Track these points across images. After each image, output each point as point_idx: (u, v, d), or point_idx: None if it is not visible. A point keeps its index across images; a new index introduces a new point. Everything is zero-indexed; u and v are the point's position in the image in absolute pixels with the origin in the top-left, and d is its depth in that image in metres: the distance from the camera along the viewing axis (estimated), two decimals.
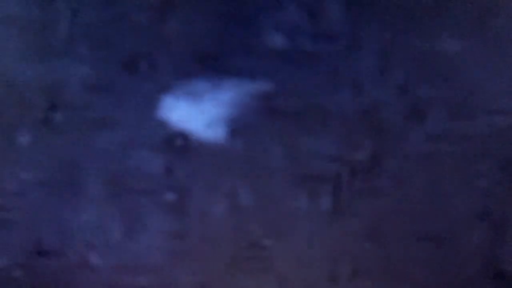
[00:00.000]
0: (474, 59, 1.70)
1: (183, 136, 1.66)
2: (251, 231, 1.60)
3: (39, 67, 1.64)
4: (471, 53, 1.71)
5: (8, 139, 1.61)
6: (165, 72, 1.76)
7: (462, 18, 1.72)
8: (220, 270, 1.58)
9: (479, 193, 1.65)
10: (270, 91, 1.74)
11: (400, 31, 1.72)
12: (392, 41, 1.72)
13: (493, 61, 1.70)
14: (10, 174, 1.61)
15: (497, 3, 1.72)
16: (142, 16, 1.72)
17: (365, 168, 1.65)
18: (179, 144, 1.65)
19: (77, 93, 1.66)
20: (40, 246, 1.59)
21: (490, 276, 1.63)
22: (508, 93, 1.69)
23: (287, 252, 1.59)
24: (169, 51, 1.78)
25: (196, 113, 1.70)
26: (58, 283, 1.58)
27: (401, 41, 1.72)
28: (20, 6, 1.65)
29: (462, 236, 1.63)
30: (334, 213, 1.62)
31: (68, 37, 1.66)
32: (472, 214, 1.64)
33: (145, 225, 1.59)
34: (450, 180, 1.65)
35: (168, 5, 1.75)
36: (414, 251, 1.63)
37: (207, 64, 1.77)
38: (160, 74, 1.75)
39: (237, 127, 1.69)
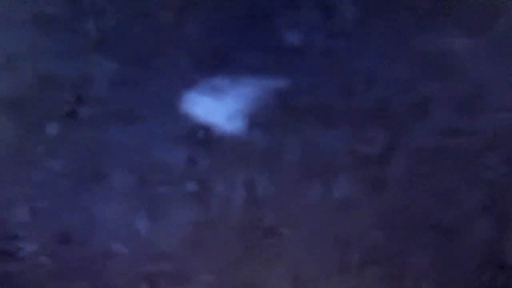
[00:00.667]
0: (480, 57, 1.71)
1: (205, 129, 1.70)
2: (267, 220, 1.60)
3: (67, 63, 1.66)
4: (478, 51, 1.72)
5: (37, 131, 1.63)
6: (187, 69, 1.77)
7: (469, 17, 1.72)
8: (237, 257, 1.59)
9: (485, 186, 1.66)
10: (287, 87, 1.76)
11: (408, 29, 1.73)
12: (400, 39, 1.73)
13: (498, 59, 1.71)
14: (39, 164, 1.63)
15: (503, 3, 1.73)
16: (165, 15, 1.73)
17: (376, 161, 1.67)
18: (201, 136, 1.69)
19: (103, 88, 1.68)
20: (67, 234, 1.60)
21: (494, 266, 1.64)
22: None
23: (301, 240, 1.61)
24: (191, 48, 1.79)
25: (217, 107, 1.73)
26: (83, 270, 1.60)
27: (410, 39, 1.73)
28: (50, 5, 1.65)
29: (468, 227, 1.64)
30: (346, 203, 1.64)
31: (95, 34, 1.67)
32: (478, 207, 1.65)
33: (168, 215, 1.60)
34: (457, 174, 1.66)
35: (189, 5, 1.76)
36: (422, 241, 1.64)
37: (226, 61, 1.78)
38: (182, 70, 1.77)
39: (255, 120, 1.72)
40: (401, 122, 1.69)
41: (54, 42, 1.64)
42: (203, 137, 1.68)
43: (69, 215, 1.61)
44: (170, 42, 1.75)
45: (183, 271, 1.60)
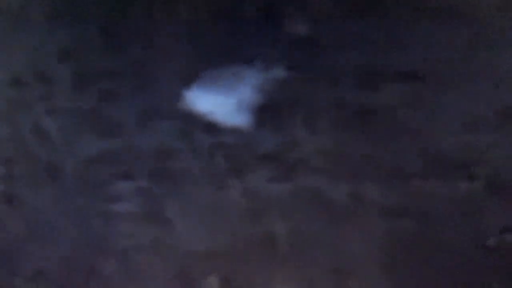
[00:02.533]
0: None
1: (209, 124, 1.67)
2: (266, 217, 1.54)
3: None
4: None
5: None
6: (189, 63, 1.77)
7: None
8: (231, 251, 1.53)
9: None
10: (290, 78, 1.74)
11: None
12: None
13: None
14: None
15: None
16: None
17: None
18: (205, 132, 1.66)
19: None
20: None
21: None
22: None
23: (299, 239, 1.53)
24: (192, 42, 1.80)
25: (220, 102, 1.71)
26: None
27: None
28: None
29: None
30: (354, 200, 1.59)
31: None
32: None
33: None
34: None
35: None
36: None
37: (229, 54, 1.78)
38: (184, 65, 1.77)
39: (260, 113, 1.69)
40: None
41: None
42: (207, 132, 1.66)
43: None
44: (170, 37, 1.77)
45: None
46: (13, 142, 1.65)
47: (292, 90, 1.72)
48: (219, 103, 1.71)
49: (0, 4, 1.82)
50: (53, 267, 1.43)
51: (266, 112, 1.70)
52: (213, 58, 1.78)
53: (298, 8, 1.79)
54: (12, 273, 1.42)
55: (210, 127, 1.67)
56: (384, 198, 1.54)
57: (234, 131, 1.66)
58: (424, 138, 1.64)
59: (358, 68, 1.76)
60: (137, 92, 1.73)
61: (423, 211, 1.52)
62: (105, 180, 1.59)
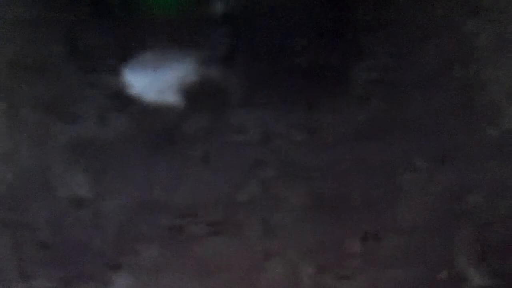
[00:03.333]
0: None
1: (140, 102, 1.70)
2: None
3: None
4: None
5: None
6: (122, 44, 1.80)
7: None
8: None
9: None
10: (221, 59, 1.76)
11: None
12: None
13: None
14: None
15: None
16: None
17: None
18: (136, 110, 1.69)
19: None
20: None
21: None
22: None
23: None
24: (125, 24, 1.82)
25: (152, 81, 1.73)
26: None
27: None
28: None
29: None
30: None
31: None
32: None
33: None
34: None
35: None
36: None
37: (161, 36, 1.79)
38: (117, 46, 1.79)
39: (191, 93, 1.71)
40: None
41: None
42: (138, 110, 1.68)
43: None
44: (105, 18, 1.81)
45: None
46: None
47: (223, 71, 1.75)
48: (150, 82, 1.73)
49: None
50: None
51: (196, 92, 1.72)
52: (145, 39, 1.81)
53: None
54: None
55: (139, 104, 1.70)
56: None
57: (162, 109, 1.69)
58: None
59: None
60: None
61: None
62: None
